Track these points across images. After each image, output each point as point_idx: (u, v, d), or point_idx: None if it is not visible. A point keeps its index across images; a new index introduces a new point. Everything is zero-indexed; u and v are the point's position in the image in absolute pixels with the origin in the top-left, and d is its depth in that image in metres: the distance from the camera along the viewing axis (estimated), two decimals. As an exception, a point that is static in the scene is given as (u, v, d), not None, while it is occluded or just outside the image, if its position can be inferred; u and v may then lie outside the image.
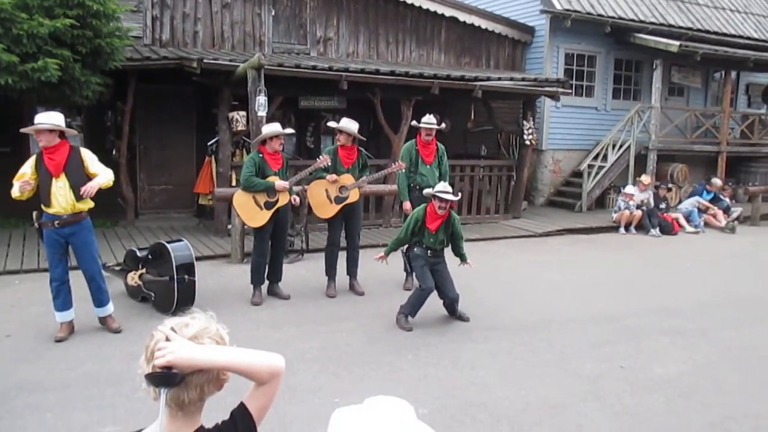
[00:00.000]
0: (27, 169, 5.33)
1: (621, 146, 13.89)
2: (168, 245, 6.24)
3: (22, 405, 4.26)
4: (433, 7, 13.29)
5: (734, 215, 12.95)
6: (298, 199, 6.99)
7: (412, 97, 10.87)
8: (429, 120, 7.40)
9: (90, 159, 5.46)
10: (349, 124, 7.01)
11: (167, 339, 1.50)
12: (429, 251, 6.26)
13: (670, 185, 13.63)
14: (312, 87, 10.34)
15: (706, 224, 12.61)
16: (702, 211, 12.71)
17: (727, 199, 13.33)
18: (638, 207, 11.90)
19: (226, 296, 6.88)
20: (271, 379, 1.60)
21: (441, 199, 6.09)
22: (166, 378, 1.47)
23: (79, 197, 5.32)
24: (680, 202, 13.52)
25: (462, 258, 6.45)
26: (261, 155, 6.69)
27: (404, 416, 1.37)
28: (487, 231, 11.20)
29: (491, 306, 6.83)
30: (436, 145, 7.49)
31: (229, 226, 8.99)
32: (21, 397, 4.37)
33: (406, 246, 6.57)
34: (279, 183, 6.59)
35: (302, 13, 12.31)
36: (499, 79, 12.08)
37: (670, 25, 14.66)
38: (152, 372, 1.48)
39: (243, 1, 11.74)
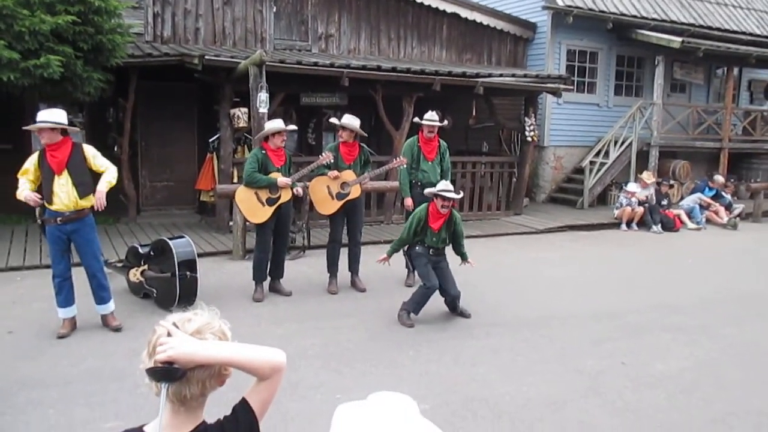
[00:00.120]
0: (29, 166, 5.35)
1: (623, 143, 13.88)
2: (170, 242, 6.25)
3: (25, 401, 4.27)
4: (435, 3, 13.27)
5: (736, 212, 12.94)
6: (300, 190, 6.97)
7: (413, 93, 10.86)
8: (431, 117, 7.39)
9: (93, 155, 5.47)
10: (352, 121, 7.01)
11: (169, 334, 1.51)
12: (431, 250, 6.26)
13: (672, 182, 13.61)
14: (313, 83, 10.34)
15: (708, 221, 12.61)
16: (704, 207, 12.71)
17: (729, 196, 13.31)
18: (641, 203, 11.89)
19: (227, 293, 6.89)
20: (273, 374, 1.61)
21: (444, 198, 6.09)
22: (167, 373, 1.47)
23: (82, 194, 5.34)
24: (682, 198, 13.51)
25: (463, 257, 6.46)
26: (264, 151, 6.69)
27: (408, 412, 1.38)
28: (488, 228, 11.20)
29: (492, 302, 6.84)
30: (438, 141, 7.48)
31: (231, 223, 9.00)
32: (23, 393, 4.39)
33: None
34: (281, 179, 6.59)
35: (304, 10, 12.30)
36: (501, 75, 12.06)
37: (673, 21, 14.63)
38: (153, 367, 1.48)
39: (244, -2, 11.75)
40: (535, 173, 14.46)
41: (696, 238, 11.49)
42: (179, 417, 1.56)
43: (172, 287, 6.08)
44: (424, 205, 6.32)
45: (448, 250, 6.44)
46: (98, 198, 5.33)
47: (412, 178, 7.39)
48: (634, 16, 14.19)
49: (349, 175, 6.99)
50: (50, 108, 5.43)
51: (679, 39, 13.23)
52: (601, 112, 14.84)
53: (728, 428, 4.22)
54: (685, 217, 12.34)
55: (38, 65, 7.51)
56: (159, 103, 11.23)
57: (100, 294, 5.63)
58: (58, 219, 5.34)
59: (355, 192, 7.02)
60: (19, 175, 5.37)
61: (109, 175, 5.44)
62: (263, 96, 8.88)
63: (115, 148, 10.44)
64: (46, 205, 5.34)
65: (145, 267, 6.45)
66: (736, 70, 15.84)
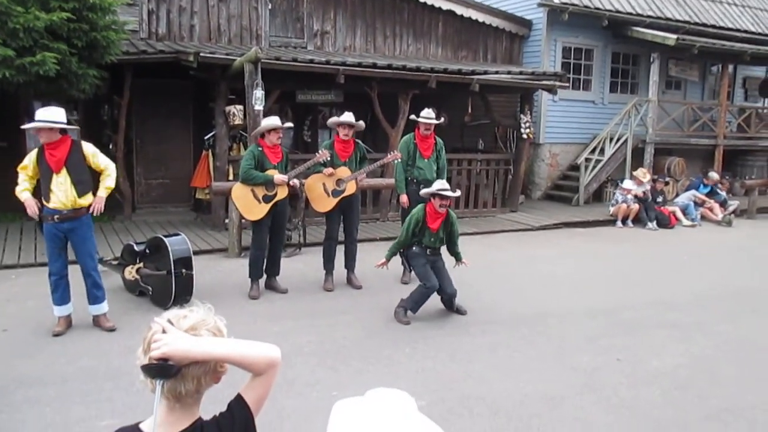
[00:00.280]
0: (28, 162, 5.36)
1: (618, 140, 13.90)
2: (165, 239, 6.24)
3: (21, 399, 4.26)
4: (430, 0, 13.26)
5: (731, 208, 12.97)
6: (296, 181, 6.93)
7: (409, 90, 10.85)
8: (428, 114, 7.39)
9: (92, 153, 5.49)
10: (351, 118, 7.01)
11: (164, 331, 1.51)
12: (428, 250, 6.27)
13: (667, 179, 13.64)
14: (309, 81, 10.32)
15: (703, 217, 12.64)
16: (699, 204, 12.74)
17: (724, 193, 13.35)
18: (639, 200, 11.90)
19: (223, 290, 6.88)
20: (268, 370, 1.61)
21: (442, 197, 6.09)
22: (161, 369, 1.47)
23: (81, 193, 5.34)
24: (677, 195, 13.55)
25: (457, 257, 6.48)
26: (260, 148, 6.69)
27: (406, 408, 1.37)
28: (484, 225, 11.21)
29: (488, 299, 6.84)
30: (435, 139, 7.49)
31: (227, 221, 8.98)
32: (19, 391, 4.38)
33: None
34: (278, 177, 6.59)
35: (299, 7, 12.28)
36: (497, 72, 12.07)
37: (668, 19, 14.66)
38: (148, 363, 1.48)
39: (239, -5, 11.72)
40: (531, 170, 14.47)
41: (691, 235, 11.52)
42: (175, 414, 1.55)
43: (168, 285, 6.07)
44: (420, 206, 6.31)
45: (442, 251, 6.45)
46: (97, 203, 5.42)
47: (408, 175, 7.39)
48: (630, 14, 14.21)
49: (344, 171, 6.98)
50: (48, 106, 5.40)
51: (675, 36, 13.25)
52: (597, 109, 14.86)
53: (723, 424, 4.24)
54: (680, 214, 12.37)
55: (34, 62, 7.48)
56: (154, 101, 11.20)
57: (95, 293, 5.60)
58: (55, 217, 5.33)
59: (350, 188, 7.01)
60: (18, 169, 5.39)
61: (109, 180, 5.52)
62: (259, 93, 8.87)
63: (110, 146, 10.41)
64: (44, 202, 5.34)
65: (141, 265, 6.44)
66: (731, 68, 15.89)
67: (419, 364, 5.09)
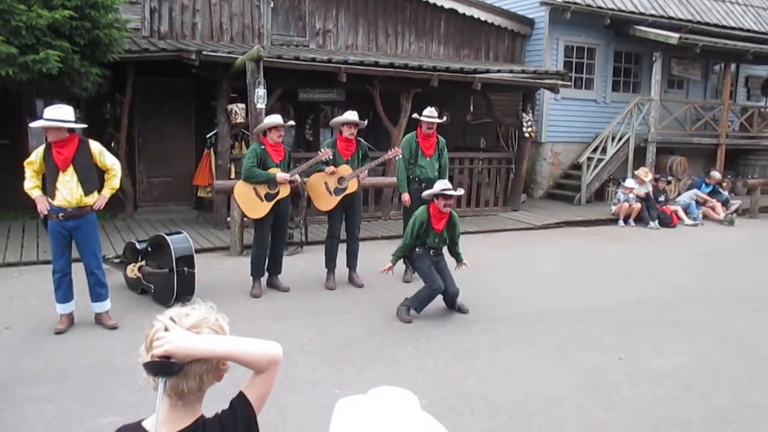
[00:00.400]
0: (35, 158, 5.39)
1: (620, 139, 13.88)
2: (167, 237, 6.24)
3: (22, 396, 4.27)
4: (432, -2, 13.26)
5: (733, 208, 12.95)
6: (298, 177, 6.92)
7: (411, 89, 10.84)
8: (430, 113, 7.38)
9: (99, 151, 5.53)
10: (354, 117, 7.01)
11: (166, 329, 1.51)
12: (431, 250, 6.28)
13: (669, 178, 13.63)
14: (311, 79, 10.32)
15: (705, 217, 12.62)
16: (701, 203, 12.72)
17: (726, 192, 13.33)
18: (641, 199, 11.89)
19: (225, 289, 6.89)
20: (270, 367, 1.61)
21: (446, 197, 6.08)
22: (164, 367, 1.47)
23: (87, 191, 5.37)
24: (679, 194, 13.53)
25: (457, 258, 6.48)
26: (263, 147, 6.69)
27: (409, 407, 1.38)
28: (486, 223, 11.21)
29: (490, 298, 6.84)
30: (437, 138, 7.49)
31: (229, 219, 8.99)
32: (21, 388, 4.39)
33: None
34: (280, 175, 6.59)
35: (301, 5, 12.28)
36: (499, 71, 12.06)
37: (670, 17, 14.63)
38: (151, 361, 1.49)
39: (242, -7, 11.72)
40: (533, 169, 14.46)
41: (693, 234, 11.50)
42: (177, 411, 1.56)
43: (170, 283, 6.08)
44: (423, 207, 6.31)
45: (443, 250, 6.46)
46: (99, 201, 5.49)
47: (410, 173, 7.39)
48: (632, 12, 14.19)
49: (346, 170, 6.98)
50: (57, 104, 5.41)
51: (677, 35, 13.22)
52: (599, 108, 14.84)
53: (724, 423, 4.24)
54: (682, 213, 12.35)
55: (37, 60, 7.49)
56: (156, 99, 11.21)
57: (98, 291, 5.62)
58: (60, 215, 5.34)
59: (352, 186, 7.02)
60: (25, 164, 5.43)
61: (115, 180, 5.59)
62: (261, 92, 8.87)
63: (112, 144, 10.40)
64: (49, 200, 5.36)
65: (143, 263, 6.45)
66: (733, 67, 15.85)
67: (421, 362, 5.09)
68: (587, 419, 4.22)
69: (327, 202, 7.07)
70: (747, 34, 15.61)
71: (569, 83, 13.30)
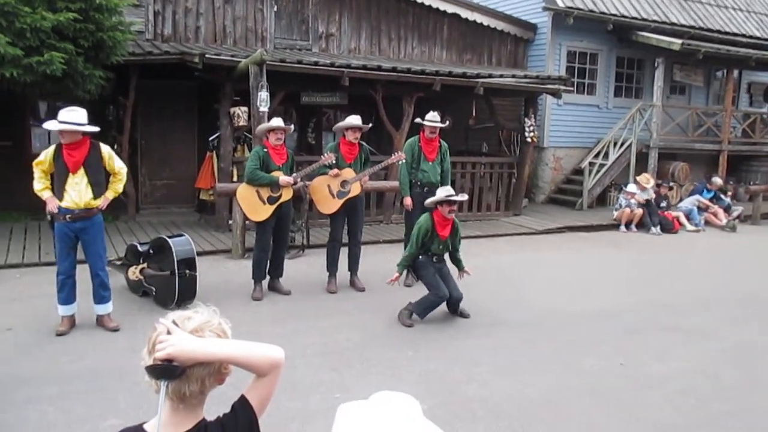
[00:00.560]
0: (44, 158, 5.42)
1: (622, 144, 13.89)
2: (169, 240, 6.25)
3: (24, 398, 4.27)
4: (435, 3, 13.27)
5: (735, 214, 12.95)
6: (299, 180, 6.91)
7: (413, 93, 10.86)
8: (433, 118, 7.40)
9: (109, 155, 5.58)
10: (358, 121, 7.02)
11: (168, 332, 1.52)
12: (434, 257, 6.28)
13: (671, 183, 13.62)
14: (314, 83, 10.34)
15: (707, 223, 12.62)
16: (703, 209, 12.71)
17: (728, 198, 13.32)
18: (643, 205, 11.88)
19: (227, 291, 6.88)
20: (271, 371, 1.62)
21: (450, 203, 6.08)
22: (166, 370, 1.48)
23: (96, 194, 5.42)
24: (681, 200, 13.52)
25: (459, 264, 6.48)
26: (266, 150, 6.70)
27: (410, 412, 1.38)
28: (487, 228, 11.21)
29: (492, 302, 6.84)
30: (439, 142, 7.49)
31: (230, 222, 9.00)
32: (22, 390, 4.39)
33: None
34: (283, 178, 6.60)
35: (304, 9, 12.30)
36: (501, 76, 12.06)
37: (673, 24, 14.65)
38: (153, 364, 1.49)
39: (245, -3, 11.74)
40: (535, 174, 14.46)
41: (695, 240, 11.50)
42: (179, 415, 1.56)
43: (172, 286, 6.08)
44: (426, 215, 6.31)
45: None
46: (102, 202, 5.52)
47: (412, 177, 7.40)
48: (635, 18, 14.20)
49: (349, 173, 7.00)
50: (69, 107, 5.43)
51: (679, 41, 13.24)
52: (601, 114, 14.84)
53: (724, 428, 4.24)
54: (683, 219, 12.35)
55: (41, 62, 7.51)
56: (159, 102, 11.22)
57: (101, 293, 5.63)
58: (68, 216, 5.36)
59: (355, 190, 7.03)
60: (34, 164, 5.45)
61: (119, 184, 5.66)
62: (263, 95, 8.88)
63: (115, 146, 10.41)
64: (57, 201, 5.38)
65: (145, 265, 6.45)
66: (735, 73, 15.85)
67: (422, 366, 5.09)
68: (588, 423, 4.22)
69: (330, 205, 7.07)
70: (749, 40, 15.62)
71: (571, 88, 13.32)
